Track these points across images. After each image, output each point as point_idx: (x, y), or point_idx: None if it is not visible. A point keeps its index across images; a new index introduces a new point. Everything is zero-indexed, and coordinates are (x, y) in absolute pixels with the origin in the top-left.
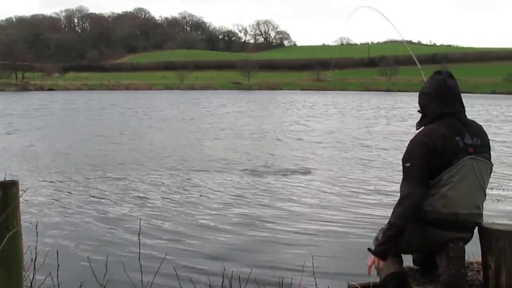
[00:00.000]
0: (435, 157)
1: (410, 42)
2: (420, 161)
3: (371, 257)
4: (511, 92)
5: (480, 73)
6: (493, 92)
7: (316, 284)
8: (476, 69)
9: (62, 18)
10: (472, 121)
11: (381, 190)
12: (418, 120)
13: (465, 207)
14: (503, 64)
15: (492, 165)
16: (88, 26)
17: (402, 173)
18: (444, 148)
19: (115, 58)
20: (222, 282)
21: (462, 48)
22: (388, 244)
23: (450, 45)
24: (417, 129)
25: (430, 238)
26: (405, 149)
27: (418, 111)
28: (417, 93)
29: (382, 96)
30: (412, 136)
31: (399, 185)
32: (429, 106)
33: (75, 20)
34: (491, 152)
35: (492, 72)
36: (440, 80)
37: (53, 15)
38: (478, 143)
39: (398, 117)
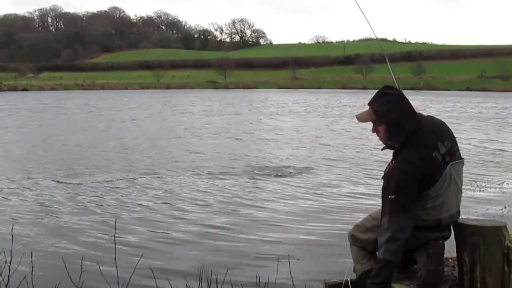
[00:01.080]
0: (423, 183)
1: (385, 40)
2: (410, 192)
3: None
4: (485, 89)
5: (454, 70)
6: (468, 89)
7: (293, 283)
8: (450, 66)
9: (36, 17)
10: (430, 117)
11: (346, 188)
12: (384, 137)
13: (447, 211)
14: (477, 61)
15: (464, 160)
16: (62, 26)
17: (382, 203)
18: (426, 172)
19: (90, 58)
20: (200, 282)
21: (437, 45)
22: (387, 282)
23: (425, 43)
24: (391, 147)
25: (411, 240)
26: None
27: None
28: None
29: (356, 93)
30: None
31: (357, 184)
32: (401, 123)
33: (49, 20)
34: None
35: (466, 69)
36: (398, 94)
37: (27, 14)
38: (449, 146)
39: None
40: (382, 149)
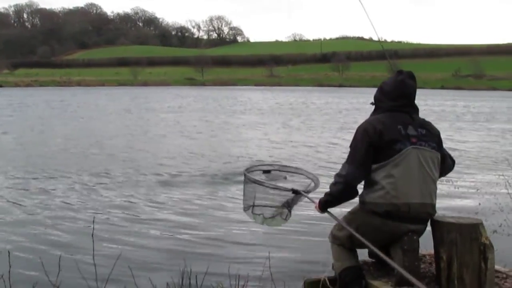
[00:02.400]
0: (375, 141)
1: (361, 39)
2: (361, 145)
3: (316, 204)
4: (459, 87)
5: (429, 69)
6: (442, 87)
7: (272, 280)
8: (425, 65)
9: (11, 13)
10: (422, 119)
11: None
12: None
13: (415, 197)
14: (451, 60)
15: (439, 154)
16: (38, 22)
17: None
18: (383, 133)
19: (66, 54)
20: (182, 279)
21: (412, 44)
22: (328, 204)
23: (400, 42)
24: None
25: (384, 231)
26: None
27: (371, 103)
28: (368, 89)
29: (330, 92)
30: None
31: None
32: (382, 101)
33: (25, 16)
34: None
35: (441, 68)
36: (398, 81)
37: (2, 10)
38: (423, 133)
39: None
40: None
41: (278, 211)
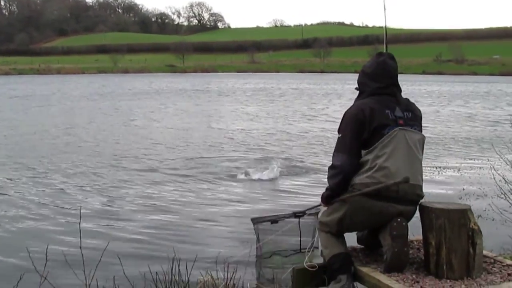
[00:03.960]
0: (365, 127)
1: (342, 24)
2: (351, 132)
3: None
4: (440, 72)
5: (411, 54)
6: (424, 73)
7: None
8: (407, 50)
9: None
10: (407, 99)
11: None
12: (356, 97)
13: (402, 177)
14: (432, 45)
15: (424, 137)
16: (16, 9)
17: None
18: (372, 118)
19: (45, 42)
20: (172, 267)
21: (393, 29)
22: (331, 197)
23: (382, 27)
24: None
25: (373, 213)
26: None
27: (356, 88)
28: (350, 74)
29: (312, 77)
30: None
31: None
32: (366, 84)
33: (2, 3)
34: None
35: (422, 53)
36: (380, 62)
37: None
38: (409, 116)
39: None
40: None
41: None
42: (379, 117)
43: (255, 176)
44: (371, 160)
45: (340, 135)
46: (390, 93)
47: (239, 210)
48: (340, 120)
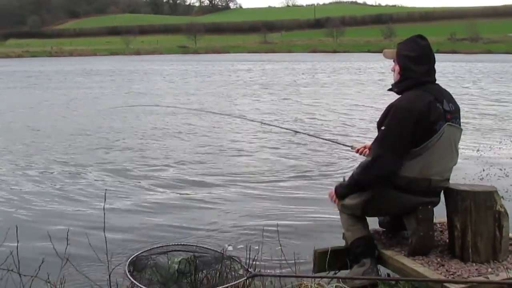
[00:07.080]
0: (420, 126)
1: (355, 3)
2: (399, 129)
3: (332, 192)
4: (454, 51)
5: (425, 33)
6: (438, 52)
7: (282, 251)
8: (421, 29)
9: None
10: (444, 89)
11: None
12: (395, 77)
13: (438, 173)
14: (446, 23)
15: (462, 129)
16: None
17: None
18: (429, 115)
19: (57, 24)
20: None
21: (407, 8)
22: (350, 192)
23: (395, 5)
24: (395, 90)
25: (400, 203)
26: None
27: (392, 85)
28: (361, 54)
29: (326, 57)
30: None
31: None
32: (413, 70)
33: None
34: None
35: (436, 32)
36: (425, 47)
37: None
38: (453, 109)
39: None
40: (388, 90)
41: None
42: (434, 113)
43: None
44: (416, 159)
45: (384, 127)
46: (433, 80)
47: None
48: (385, 111)
